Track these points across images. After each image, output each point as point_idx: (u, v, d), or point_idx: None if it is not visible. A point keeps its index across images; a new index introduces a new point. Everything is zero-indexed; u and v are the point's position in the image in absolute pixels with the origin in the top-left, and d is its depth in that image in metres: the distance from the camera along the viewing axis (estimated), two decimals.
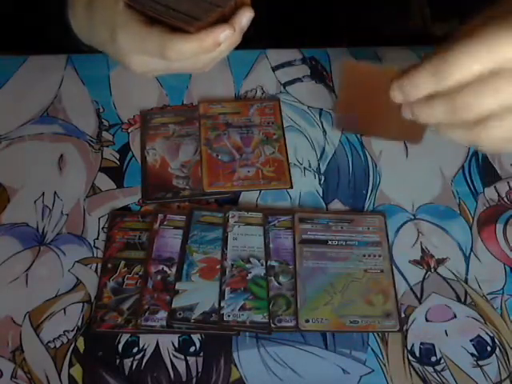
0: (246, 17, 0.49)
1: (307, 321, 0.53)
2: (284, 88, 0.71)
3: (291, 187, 0.62)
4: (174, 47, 0.48)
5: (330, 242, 0.57)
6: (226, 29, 0.48)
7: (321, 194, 0.62)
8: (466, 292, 0.56)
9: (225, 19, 0.49)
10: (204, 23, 0.48)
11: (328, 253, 0.57)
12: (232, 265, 0.56)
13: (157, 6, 0.49)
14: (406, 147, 0.66)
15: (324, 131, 0.67)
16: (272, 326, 0.52)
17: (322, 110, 0.69)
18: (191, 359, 0.52)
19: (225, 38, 0.48)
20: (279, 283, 0.55)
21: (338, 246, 0.57)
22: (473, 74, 0.40)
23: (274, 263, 0.56)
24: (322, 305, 0.54)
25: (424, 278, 0.57)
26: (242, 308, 0.53)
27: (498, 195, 0.62)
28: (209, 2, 0.49)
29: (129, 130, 0.66)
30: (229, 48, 0.52)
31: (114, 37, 0.51)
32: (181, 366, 0.52)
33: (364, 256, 0.56)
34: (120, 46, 0.51)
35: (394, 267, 0.56)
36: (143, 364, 0.52)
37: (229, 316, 0.53)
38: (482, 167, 0.64)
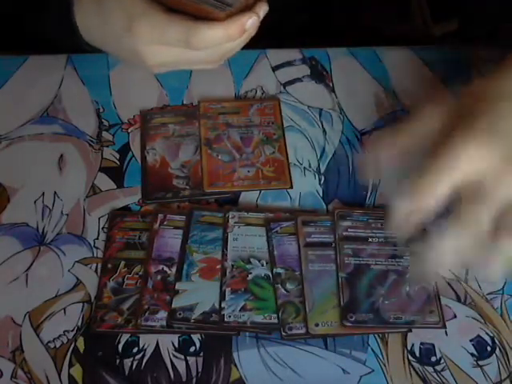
0: (263, 10, 0.49)
1: (317, 325, 0.52)
2: (284, 88, 0.71)
3: (291, 187, 0.62)
4: (200, 34, 0.48)
5: (334, 245, 0.57)
6: (253, 15, 0.48)
7: (321, 194, 0.62)
8: (465, 292, 0.56)
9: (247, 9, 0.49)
10: (233, 10, 0.48)
11: (333, 255, 0.57)
12: (232, 265, 0.56)
13: None
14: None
15: (324, 131, 0.67)
16: (283, 333, 0.52)
17: (321, 109, 0.69)
18: (191, 359, 0.52)
19: (251, 25, 0.48)
20: (286, 290, 0.54)
21: None
22: None
23: (279, 270, 0.55)
24: (330, 308, 0.53)
25: None
26: (243, 309, 0.53)
27: None
28: None
29: (129, 130, 0.66)
30: (247, 39, 0.52)
31: (132, 27, 0.50)
32: (181, 366, 0.52)
33: None
34: (139, 35, 0.50)
35: None
36: (143, 364, 0.52)
37: (230, 317, 0.53)
38: None
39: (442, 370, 0.52)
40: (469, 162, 0.43)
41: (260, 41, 0.70)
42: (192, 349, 0.52)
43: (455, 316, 0.55)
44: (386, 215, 0.58)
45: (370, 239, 0.57)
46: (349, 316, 0.53)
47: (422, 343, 0.53)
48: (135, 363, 0.52)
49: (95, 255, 0.57)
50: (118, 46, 0.55)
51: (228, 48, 0.52)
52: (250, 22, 0.48)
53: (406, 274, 0.55)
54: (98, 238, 0.58)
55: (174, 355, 0.52)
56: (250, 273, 0.55)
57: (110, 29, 0.54)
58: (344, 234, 0.58)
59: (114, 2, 0.52)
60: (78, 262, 0.57)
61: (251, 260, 0.56)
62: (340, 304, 0.53)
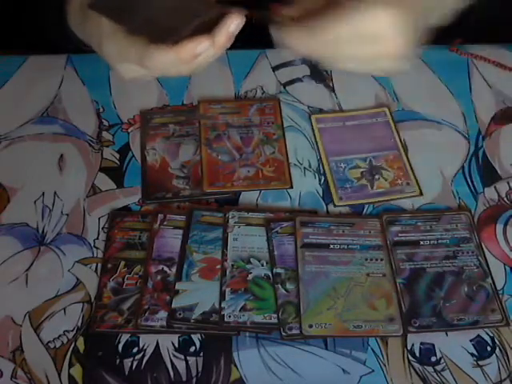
0: (233, 24, 0.48)
1: (310, 326, 0.52)
2: (284, 88, 0.71)
3: (291, 187, 0.62)
4: (153, 59, 0.48)
5: (331, 246, 0.57)
6: (204, 41, 0.47)
7: (321, 194, 0.62)
8: None
9: (211, 26, 0.47)
10: (182, 36, 0.47)
11: (330, 257, 0.56)
12: (232, 265, 0.56)
13: (133, 20, 0.49)
14: (406, 147, 0.66)
15: None
16: (283, 333, 0.52)
17: (321, 110, 0.69)
18: (191, 359, 0.52)
19: (202, 50, 0.47)
20: (286, 290, 0.54)
21: (340, 249, 0.57)
22: None
23: (279, 270, 0.55)
24: (325, 309, 0.53)
25: None
26: (243, 309, 0.53)
27: (498, 195, 0.62)
28: (187, 12, 0.47)
29: (129, 130, 0.66)
30: (216, 54, 0.51)
31: (101, 46, 0.51)
32: (181, 366, 0.52)
33: (366, 260, 0.56)
34: (106, 54, 0.52)
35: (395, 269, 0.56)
36: (143, 364, 0.52)
37: (229, 317, 0.53)
38: (482, 167, 0.64)
39: (442, 370, 0.52)
40: None
41: (260, 41, 0.70)
42: (192, 349, 0.52)
43: None
44: (434, 217, 0.58)
45: (421, 242, 0.57)
46: (413, 322, 0.53)
47: (422, 343, 0.53)
48: (135, 363, 0.52)
49: (95, 255, 0.57)
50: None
51: (192, 67, 0.52)
52: (200, 48, 0.47)
53: (462, 274, 0.55)
54: (98, 238, 0.58)
55: (174, 355, 0.52)
56: (250, 273, 0.55)
57: (90, 41, 0.55)
58: (395, 239, 0.58)
59: (89, 21, 0.53)
60: (77, 262, 0.57)
61: (251, 260, 0.56)
62: (401, 310, 0.53)
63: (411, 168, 0.63)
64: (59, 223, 0.59)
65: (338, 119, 0.67)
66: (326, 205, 0.61)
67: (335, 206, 0.61)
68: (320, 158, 0.64)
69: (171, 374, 0.51)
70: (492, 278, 0.55)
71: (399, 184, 0.62)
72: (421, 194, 0.62)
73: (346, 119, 0.67)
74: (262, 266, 0.56)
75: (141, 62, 0.49)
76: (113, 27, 0.50)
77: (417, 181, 0.62)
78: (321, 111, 0.68)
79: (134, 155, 0.64)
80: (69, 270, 0.56)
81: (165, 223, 0.58)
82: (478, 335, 0.53)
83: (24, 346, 0.52)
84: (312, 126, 0.67)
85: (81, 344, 0.52)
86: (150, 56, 0.48)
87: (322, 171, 0.64)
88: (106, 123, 0.67)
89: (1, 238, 0.58)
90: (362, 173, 0.63)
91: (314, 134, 0.66)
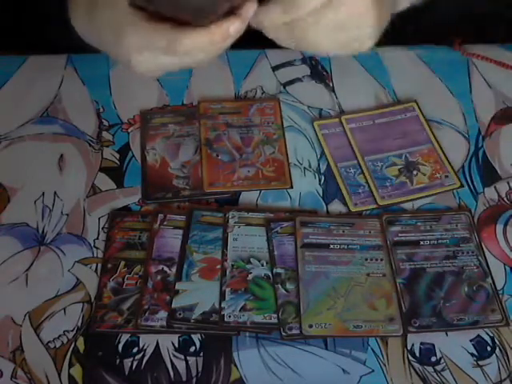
0: (252, 9, 0.48)
1: (310, 326, 0.52)
2: (284, 88, 0.71)
3: (291, 187, 0.62)
4: (185, 41, 0.48)
5: (331, 246, 0.57)
6: (236, 21, 0.47)
7: (321, 194, 0.62)
8: None
9: (233, 11, 0.48)
10: (214, 16, 0.47)
11: (330, 257, 0.56)
12: (232, 265, 0.56)
13: (164, 4, 0.49)
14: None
15: None
16: (283, 333, 0.52)
17: (321, 109, 0.69)
18: (191, 359, 0.52)
19: (235, 30, 0.47)
20: (286, 290, 0.54)
21: (340, 249, 0.57)
22: None
23: (279, 270, 0.55)
24: (325, 309, 0.53)
25: None
26: (243, 309, 0.53)
27: (498, 195, 0.62)
28: None
29: (129, 130, 0.66)
30: (233, 40, 0.52)
31: (121, 35, 0.50)
32: (181, 366, 0.52)
33: (366, 260, 0.56)
34: (128, 43, 0.51)
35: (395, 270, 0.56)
36: (143, 364, 0.52)
37: (229, 317, 0.53)
38: (482, 167, 0.64)
39: (442, 370, 0.52)
40: None
41: (260, 41, 0.70)
42: (192, 349, 0.52)
43: None
44: (434, 217, 0.58)
45: (421, 242, 0.57)
46: (413, 322, 0.53)
47: (422, 343, 0.53)
48: (135, 363, 0.52)
49: (95, 255, 0.57)
50: (111, 53, 0.55)
51: (217, 50, 0.52)
52: (233, 28, 0.47)
53: (462, 274, 0.55)
54: (98, 238, 0.58)
55: (174, 355, 0.52)
56: (250, 273, 0.55)
57: (99, 38, 0.54)
58: (395, 239, 0.58)
59: (103, 13, 0.52)
60: (77, 262, 0.57)
61: (251, 260, 0.56)
62: (401, 310, 0.53)
63: (448, 161, 0.63)
64: (59, 223, 0.59)
65: (367, 117, 0.67)
66: (326, 205, 0.61)
67: (350, 211, 0.60)
68: (328, 163, 0.64)
69: (171, 374, 0.51)
70: (492, 278, 0.55)
71: (438, 178, 0.62)
72: (461, 185, 0.62)
73: (375, 117, 0.67)
74: (262, 265, 0.56)
75: (170, 46, 0.48)
76: (135, 15, 0.50)
77: (455, 173, 0.63)
78: (321, 115, 0.68)
79: (134, 155, 0.64)
80: (69, 270, 0.56)
81: (165, 223, 0.58)
82: (478, 335, 0.53)
83: (24, 346, 0.52)
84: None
85: (81, 344, 0.52)
86: (183, 38, 0.48)
87: (321, 171, 0.64)
88: (106, 123, 0.67)
89: (1, 238, 0.58)
90: (399, 170, 0.63)
91: (317, 137, 0.66)
